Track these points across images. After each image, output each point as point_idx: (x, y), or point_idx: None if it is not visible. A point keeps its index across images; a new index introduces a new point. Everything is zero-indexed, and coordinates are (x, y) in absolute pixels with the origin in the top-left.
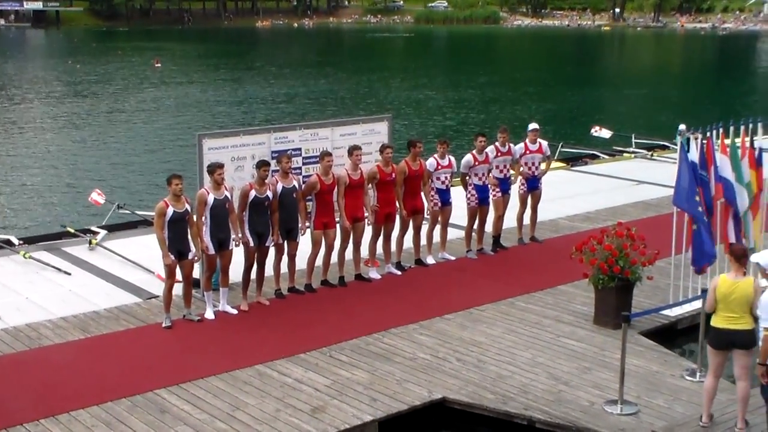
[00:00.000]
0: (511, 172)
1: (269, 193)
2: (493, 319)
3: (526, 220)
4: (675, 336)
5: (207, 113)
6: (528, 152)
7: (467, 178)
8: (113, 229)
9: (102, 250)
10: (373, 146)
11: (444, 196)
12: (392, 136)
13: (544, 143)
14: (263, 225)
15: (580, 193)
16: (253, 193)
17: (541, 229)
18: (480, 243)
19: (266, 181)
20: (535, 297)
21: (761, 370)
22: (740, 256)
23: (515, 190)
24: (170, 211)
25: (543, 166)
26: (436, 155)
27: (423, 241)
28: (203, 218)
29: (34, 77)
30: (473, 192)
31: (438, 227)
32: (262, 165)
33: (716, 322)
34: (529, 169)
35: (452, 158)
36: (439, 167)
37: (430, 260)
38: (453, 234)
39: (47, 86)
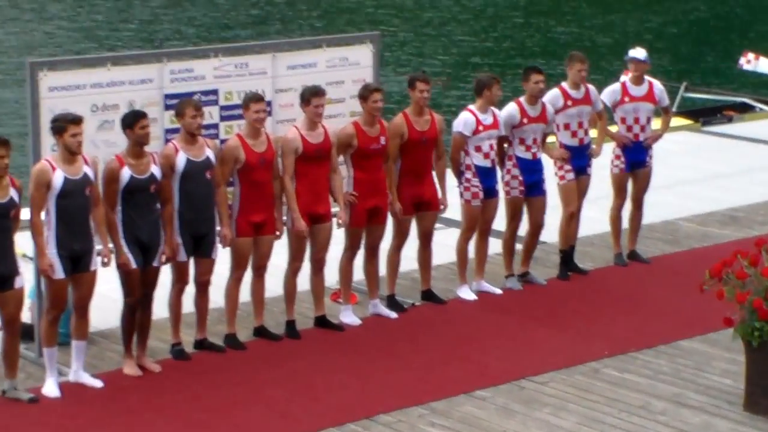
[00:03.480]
0: (592, 132)
1: (155, 170)
2: (561, 397)
3: (624, 221)
4: None
5: (40, 25)
6: (628, 98)
7: (506, 146)
8: None
9: None
10: (346, 88)
11: (488, 179)
12: (379, 70)
13: (657, 85)
14: (149, 228)
15: (719, 174)
16: (126, 173)
17: (649, 238)
18: (526, 264)
19: (146, 148)
20: (637, 359)
21: None
22: None
23: (602, 165)
24: None
25: (654, 124)
26: (473, 106)
27: (438, 258)
28: (44, 214)
29: None
30: (516, 171)
31: (475, 237)
32: (136, 119)
33: None
34: (629, 128)
35: (497, 111)
36: (480, 128)
37: (465, 294)
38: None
39: None
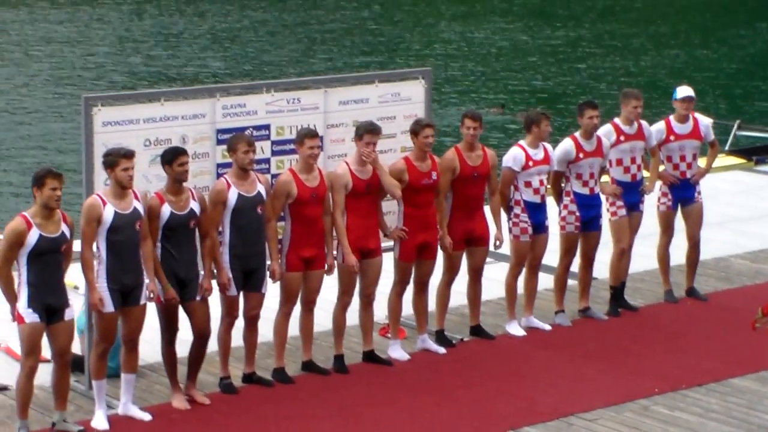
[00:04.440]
0: (644, 172)
1: (194, 205)
2: None
3: (676, 257)
4: None
5: (94, 61)
6: (673, 137)
7: (562, 182)
8: None
9: None
10: (398, 123)
11: (538, 215)
12: (431, 105)
13: (702, 120)
14: (187, 264)
15: None
16: (167, 210)
17: (701, 275)
18: (585, 299)
19: (185, 184)
20: (688, 397)
21: None
22: None
23: (652, 202)
24: (35, 235)
25: (701, 162)
26: (523, 142)
27: (487, 293)
28: (95, 249)
29: None
30: (573, 207)
31: (524, 273)
32: (175, 156)
33: None
34: (676, 167)
35: (548, 147)
36: (530, 163)
37: (514, 329)
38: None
39: None
